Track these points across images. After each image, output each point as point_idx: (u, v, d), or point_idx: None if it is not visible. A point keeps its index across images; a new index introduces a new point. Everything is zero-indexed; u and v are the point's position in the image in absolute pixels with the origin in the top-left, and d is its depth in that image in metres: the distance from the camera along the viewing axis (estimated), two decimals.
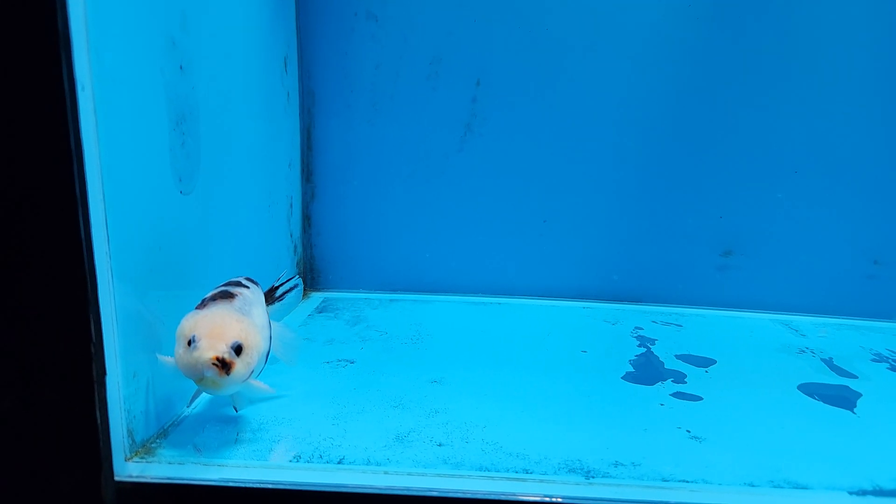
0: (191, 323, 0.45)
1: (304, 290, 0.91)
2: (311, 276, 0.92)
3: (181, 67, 0.52)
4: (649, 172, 0.86)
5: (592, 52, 0.83)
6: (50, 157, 0.39)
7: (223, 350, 0.43)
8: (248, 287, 0.52)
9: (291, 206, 0.84)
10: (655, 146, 0.85)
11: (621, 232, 0.88)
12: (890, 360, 0.73)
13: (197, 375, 0.44)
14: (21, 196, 0.39)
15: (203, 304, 0.47)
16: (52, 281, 0.40)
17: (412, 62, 0.84)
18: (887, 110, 0.82)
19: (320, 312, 0.83)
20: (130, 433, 0.46)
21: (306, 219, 0.90)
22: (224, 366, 0.43)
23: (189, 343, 0.44)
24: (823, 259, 0.86)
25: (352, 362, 0.67)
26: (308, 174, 0.88)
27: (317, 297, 0.90)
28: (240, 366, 0.44)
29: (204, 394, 0.53)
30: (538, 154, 0.86)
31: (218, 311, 0.46)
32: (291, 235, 0.85)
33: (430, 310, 0.85)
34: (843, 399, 0.63)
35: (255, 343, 0.46)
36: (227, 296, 0.48)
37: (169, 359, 0.47)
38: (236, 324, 0.45)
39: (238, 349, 0.44)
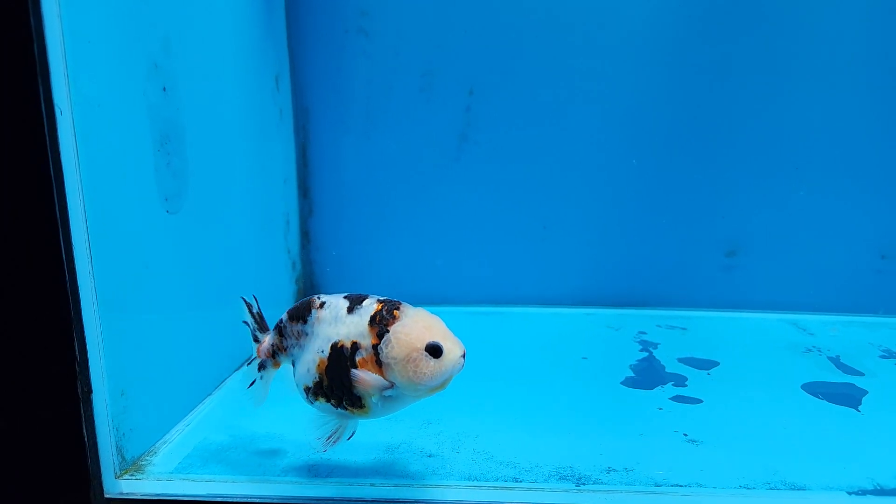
0: (418, 335, 0.42)
1: None
2: (312, 292, 0.92)
3: (164, 89, 0.53)
4: (649, 175, 0.85)
5: (586, 54, 0.82)
6: (29, 180, 0.40)
7: (461, 344, 0.42)
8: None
9: (288, 222, 0.85)
10: (654, 148, 0.84)
11: (622, 236, 0.86)
12: None
13: (444, 380, 0.42)
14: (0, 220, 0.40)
15: (393, 318, 0.43)
16: (35, 302, 0.41)
17: (404, 75, 0.84)
18: (889, 103, 0.80)
19: None
20: (120, 450, 0.46)
21: (304, 235, 0.90)
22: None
23: (433, 353, 0.41)
24: (830, 255, 0.84)
25: None
26: (305, 190, 0.89)
27: None
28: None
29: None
30: (535, 160, 0.85)
31: (420, 313, 0.43)
32: (289, 252, 0.85)
33: None
34: (848, 397, 0.61)
35: None
36: (396, 302, 0.44)
37: (377, 385, 0.43)
38: (438, 319, 0.44)
39: None
